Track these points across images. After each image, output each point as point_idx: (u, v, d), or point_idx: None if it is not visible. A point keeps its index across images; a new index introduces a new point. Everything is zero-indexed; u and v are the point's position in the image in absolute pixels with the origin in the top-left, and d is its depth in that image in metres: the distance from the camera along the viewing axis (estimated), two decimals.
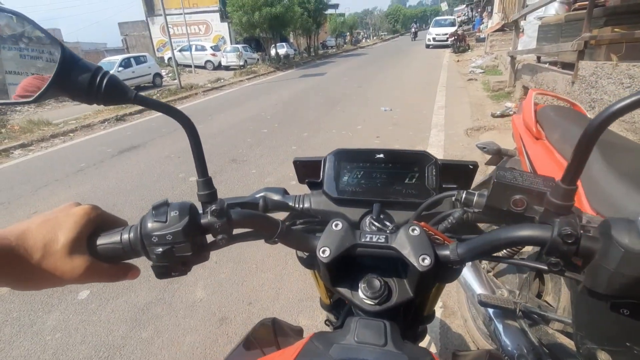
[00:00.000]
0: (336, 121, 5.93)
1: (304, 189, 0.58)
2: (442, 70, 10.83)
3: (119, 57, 14.15)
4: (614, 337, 0.84)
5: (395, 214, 0.52)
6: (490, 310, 1.16)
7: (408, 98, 7.18)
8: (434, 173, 0.51)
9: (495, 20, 13.05)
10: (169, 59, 21.17)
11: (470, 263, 1.27)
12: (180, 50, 18.90)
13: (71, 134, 6.70)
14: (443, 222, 0.48)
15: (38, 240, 0.37)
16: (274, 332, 0.60)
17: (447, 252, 0.40)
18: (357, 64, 16.45)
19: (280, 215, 0.51)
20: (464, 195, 0.45)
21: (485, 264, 1.43)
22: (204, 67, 19.85)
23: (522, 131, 1.36)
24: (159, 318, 1.94)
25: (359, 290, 0.43)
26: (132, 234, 0.41)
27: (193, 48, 18.77)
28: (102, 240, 0.42)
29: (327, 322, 0.68)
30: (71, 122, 7.51)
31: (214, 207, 0.41)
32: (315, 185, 0.56)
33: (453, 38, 16.70)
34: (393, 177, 0.52)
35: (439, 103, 6.34)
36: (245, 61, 19.08)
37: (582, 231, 0.33)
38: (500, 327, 1.12)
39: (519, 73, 6.13)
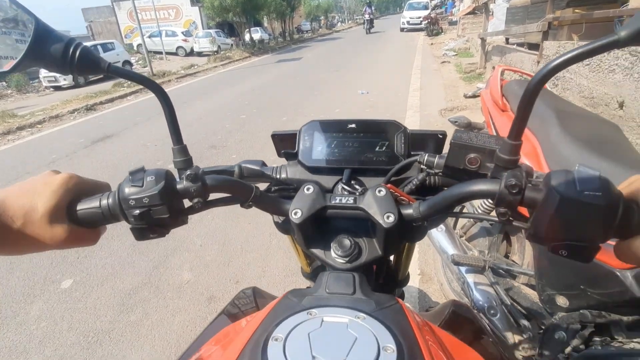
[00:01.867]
0: (314, 105, 5.95)
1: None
2: (416, 53, 10.94)
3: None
4: (570, 282, 0.95)
5: (366, 180, 0.54)
6: (463, 269, 1.26)
7: (384, 81, 7.25)
8: (403, 141, 0.54)
9: (466, 3, 13.23)
10: (139, 45, 20.22)
11: (444, 228, 1.36)
12: (149, 37, 18.12)
13: (39, 126, 6.40)
14: (408, 185, 0.52)
15: (17, 208, 0.38)
16: (254, 299, 0.63)
17: (410, 211, 0.44)
18: (333, 48, 16.34)
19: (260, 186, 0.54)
20: (425, 158, 0.50)
21: (458, 229, 1.53)
22: (175, 54, 19.19)
23: (489, 105, 1.46)
24: (147, 301, 1.97)
25: (331, 250, 0.46)
26: (110, 199, 0.43)
27: (163, 34, 18.06)
28: (81, 206, 0.43)
29: None
30: (38, 113, 7.16)
31: (189, 172, 0.43)
32: (291, 156, 0.58)
33: (427, 21, 16.81)
34: (364, 145, 0.54)
35: (414, 85, 6.45)
36: (219, 47, 18.58)
37: (529, 184, 0.36)
38: (471, 283, 1.23)
39: (489, 55, 6.31)
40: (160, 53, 17.19)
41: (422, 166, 0.51)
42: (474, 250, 1.37)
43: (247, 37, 19.23)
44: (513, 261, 1.38)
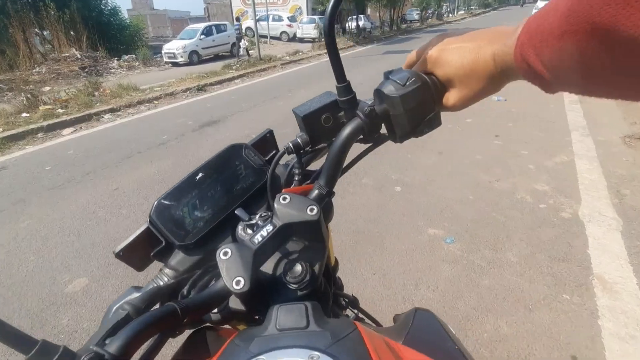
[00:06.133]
0: None
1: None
2: None
3: (201, 25, 14.31)
4: None
5: (252, 207, 0.52)
6: None
7: (522, 84, 5.97)
8: (253, 154, 0.55)
9: None
10: (247, 28, 21.18)
11: None
12: (257, 20, 18.77)
13: (155, 102, 6.72)
14: (290, 178, 0.54)
15: None
16: (205, 341, 0.52)
17: (317, 192, 0.45)
18: None
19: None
20: (290, 145, 0.50)
21: None
22: (278, 38, 19.58)
23: None
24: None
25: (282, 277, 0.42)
26: None
27: (270, 18, 18.46)
28: None
29: None
30: (156, 88, 7.59)
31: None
32: (165, 251, 0.49)
33: None
34: (225, 181, 0.52)
35: (569, 96, 5.11)
36: (320, 33, 18.35)
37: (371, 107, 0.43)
38: None
39: None
40: (265, 37, 17.64)
41: (288, 154, 0.52)
42: None
43: (350, 25, 18.61)
44: None
